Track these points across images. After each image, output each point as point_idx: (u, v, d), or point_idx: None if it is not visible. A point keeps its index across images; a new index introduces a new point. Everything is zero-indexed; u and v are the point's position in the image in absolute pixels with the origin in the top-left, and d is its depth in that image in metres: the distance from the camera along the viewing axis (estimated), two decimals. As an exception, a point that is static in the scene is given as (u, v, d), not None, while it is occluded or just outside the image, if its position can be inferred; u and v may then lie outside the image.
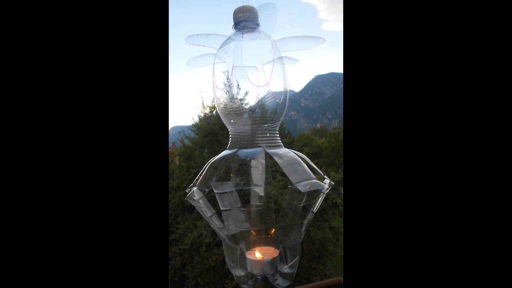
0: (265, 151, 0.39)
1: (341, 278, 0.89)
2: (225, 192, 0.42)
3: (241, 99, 0.41)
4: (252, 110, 0.41)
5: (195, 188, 0.41)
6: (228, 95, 0.41)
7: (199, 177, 0.42)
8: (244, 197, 0.42)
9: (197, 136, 5.02)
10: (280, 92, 0.41)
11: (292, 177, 0.36)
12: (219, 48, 0.40)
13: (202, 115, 5.18)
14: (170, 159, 5.73)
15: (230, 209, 0.43)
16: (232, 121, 0.42)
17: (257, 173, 0.39)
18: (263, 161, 0.39)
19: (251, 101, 0.41)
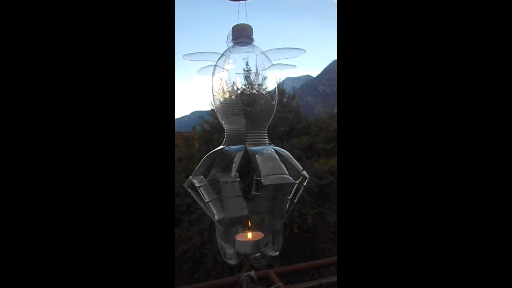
0: (246, 148, 0.46)
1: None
2: (228, 182, 0.50)
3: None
4: (246, 111, 0.47)
5: (195, 178, 0.48)
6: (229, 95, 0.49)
7: (197, 168, 0.49)
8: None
9: (215, 121, 5.12)
10: (271, 96, 0.48)
11: (262, 171, 0.43)
12: (218, 59, 0.47)
13: (221, 100, 5.26)
14: (190, 143, 5.89)
15: (228, 197, 0.50)
16: (227, 120, 0.48)
17: (234, 166, 0.46)
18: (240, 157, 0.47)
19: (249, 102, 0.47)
